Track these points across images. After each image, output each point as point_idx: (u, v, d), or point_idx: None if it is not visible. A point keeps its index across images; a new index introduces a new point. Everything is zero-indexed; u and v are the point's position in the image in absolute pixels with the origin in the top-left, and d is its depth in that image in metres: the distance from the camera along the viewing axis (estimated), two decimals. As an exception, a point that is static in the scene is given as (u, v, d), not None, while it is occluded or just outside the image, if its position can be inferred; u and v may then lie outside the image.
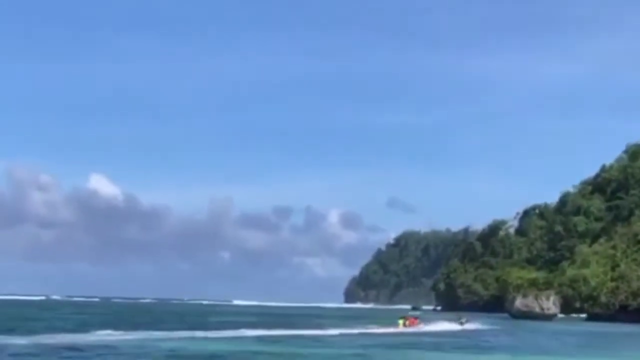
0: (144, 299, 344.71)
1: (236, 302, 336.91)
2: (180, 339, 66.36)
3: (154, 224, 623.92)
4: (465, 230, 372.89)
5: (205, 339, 68.43)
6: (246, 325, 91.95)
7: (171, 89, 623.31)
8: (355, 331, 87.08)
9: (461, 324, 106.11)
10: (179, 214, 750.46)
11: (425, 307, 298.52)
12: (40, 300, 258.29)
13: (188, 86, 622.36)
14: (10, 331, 67.58)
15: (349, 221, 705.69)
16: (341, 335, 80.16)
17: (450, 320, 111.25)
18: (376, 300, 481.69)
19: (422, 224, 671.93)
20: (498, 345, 70.85)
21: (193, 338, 67.95)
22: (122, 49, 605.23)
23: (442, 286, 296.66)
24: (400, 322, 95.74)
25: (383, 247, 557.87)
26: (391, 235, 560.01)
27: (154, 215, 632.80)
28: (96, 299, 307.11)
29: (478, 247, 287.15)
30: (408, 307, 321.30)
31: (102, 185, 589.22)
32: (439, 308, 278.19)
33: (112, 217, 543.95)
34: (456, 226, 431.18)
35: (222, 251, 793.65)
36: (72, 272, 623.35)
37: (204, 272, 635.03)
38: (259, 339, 68.91)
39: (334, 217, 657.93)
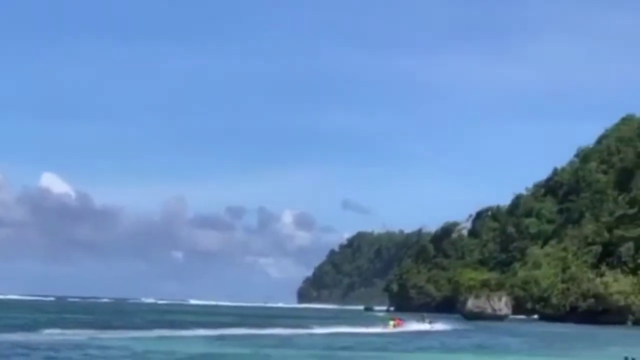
0: (99, 298, 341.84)
1: (193, 301, 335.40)
2: (135, 338, 66.04)
3: (107, 224, 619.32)
4: (419, 232, 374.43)
5: (176, 338, 68.86)
6: (223, 325, 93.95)
7: (125, 90, 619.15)
8: (348, 330, 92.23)
9: (429, 323, 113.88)
10: (132, 214, 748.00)
11: (377, 308, 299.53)
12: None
13: (142, 87, 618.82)
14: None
15: (303, 222, 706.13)
16: (335, 334, 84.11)
17: (417, 321, 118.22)
18: (329, 300, 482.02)
19: (376, 226, 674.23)
20: (470, 345, 72.06)
21: (160, 337, 68.01)
22: (76, 49, 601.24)
23: (395, 287, 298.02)
24: (391, 323, 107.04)
25: (336, 248, 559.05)
26: (344, 236, 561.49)
27: (107, 215, 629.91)
28: (51, 298, 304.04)
29: (431, 248, 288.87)
30: (361, 307, 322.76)
31: (54, 184, 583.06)
32: (392, 309, 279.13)
33: (65, 216, 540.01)
34: (409, 228, 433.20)
35: (176, 251, 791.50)
36: (25, 271, 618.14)
37: (158, 272, 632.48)
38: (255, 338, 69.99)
39: (287, 217, 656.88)
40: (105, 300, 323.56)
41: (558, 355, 64.21)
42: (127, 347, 54.08)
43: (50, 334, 66.62)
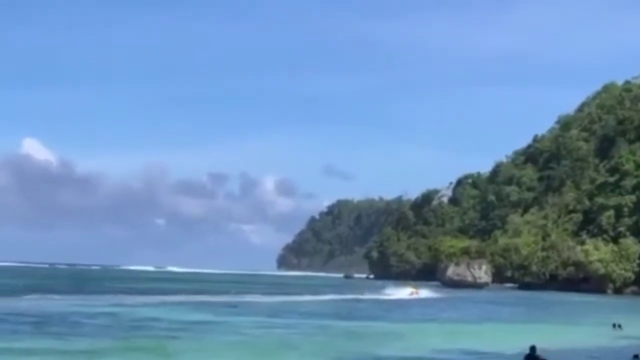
0: (87, 265, 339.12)
1: (170, 268, 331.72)
2: (116, 304, 65.34)
3: (88, 190, 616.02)
4: (399, 199, 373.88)
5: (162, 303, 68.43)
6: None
7: (107, 55, 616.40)
8: (381, 297, 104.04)
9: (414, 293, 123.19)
10: (114, 180, 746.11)
11: (357, 275, 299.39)
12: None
13: (123, 53, 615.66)
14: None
15: (284, 188, 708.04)
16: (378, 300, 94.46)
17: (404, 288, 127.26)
18: (309, 268, 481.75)
19: (357, 192, 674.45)
20: (463, 314, 71.42)
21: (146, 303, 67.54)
22: (58, 15, 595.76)
23: (375, 254, 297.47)
24: (412, 290, 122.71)
25: (317, 215, 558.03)
26: (325, 204, 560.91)
27: (89, 181, 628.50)
28: (42, 265, 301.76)
29: (411, 216, 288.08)
30: (341, 275, 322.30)
31: (36, 151, 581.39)
32: (371, 276, 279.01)
33: (46, 182, 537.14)
34: (390, 195, 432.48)
35: (158, 218, 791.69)
36: (6, 238, 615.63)
37: (139, 238, 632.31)
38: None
39: (269, 184, 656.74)
40: (93, 267, 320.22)
41: (557, 322, 63.62)
42: (102, 312, 53.57)
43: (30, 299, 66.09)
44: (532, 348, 34.16)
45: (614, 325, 56.28)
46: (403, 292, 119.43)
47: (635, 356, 36.26)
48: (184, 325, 48.58)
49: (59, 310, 56.56)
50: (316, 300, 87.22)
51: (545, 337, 41.62)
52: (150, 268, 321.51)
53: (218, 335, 44.35)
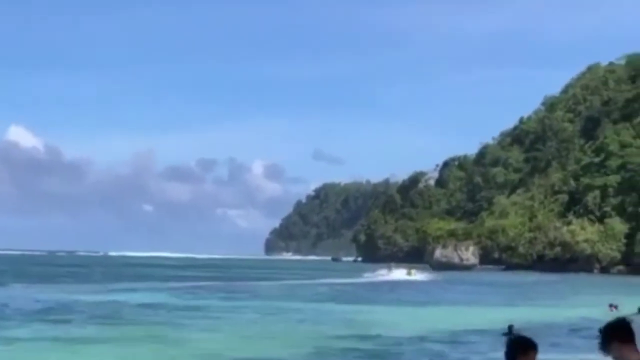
0: (76, 252, 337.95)
1: (162, 254, 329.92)
2: (109, 291, 65.80)
3: (76, 177, 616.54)
4: (386, 182, 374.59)
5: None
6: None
7: (92, 41, 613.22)
8: (376, 279, 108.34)
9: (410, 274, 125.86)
10: (101, 166, 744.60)
11: (345, 259, 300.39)
12: None
13: (109, 38, 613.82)
14: None
15: (272, 173, 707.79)
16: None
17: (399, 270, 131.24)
18: (297, 251, 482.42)
19: (346, 176, 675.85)
20: (452, 298, 71.82)
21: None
22: (42, 1, 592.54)
23: (362, 237, 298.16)
24: (413, 272, 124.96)
25: (303, 199, 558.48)
26: (312, 187, 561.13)
27: (77, 167, 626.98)
28: (41, 252, 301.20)
29: (398, 198, 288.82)
30: (328, 258, 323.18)
31: (23, 138, 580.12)
32: (359, 259, 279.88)
33: (33, 169, 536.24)
34: (377, 178, 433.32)
35: (146, 204, 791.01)
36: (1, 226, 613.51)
37: (128, 225, 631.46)
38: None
39: (257, 168, 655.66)
40: (82, 253, 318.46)
41: (548, 304, 63.88)
42: (94, 301, 53.63)
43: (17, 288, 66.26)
44: (510, 327, 36.00)
45: (610, 306, 54.63)
46: (398, 274, 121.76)
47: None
48: (180, 312, 49.11)
49: (59, 298, 57.04)
50: (311, 284, 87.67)
51: (538, 318, 42.34)
52: (146, 254, 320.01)
53: (210, 321, 44.73)
